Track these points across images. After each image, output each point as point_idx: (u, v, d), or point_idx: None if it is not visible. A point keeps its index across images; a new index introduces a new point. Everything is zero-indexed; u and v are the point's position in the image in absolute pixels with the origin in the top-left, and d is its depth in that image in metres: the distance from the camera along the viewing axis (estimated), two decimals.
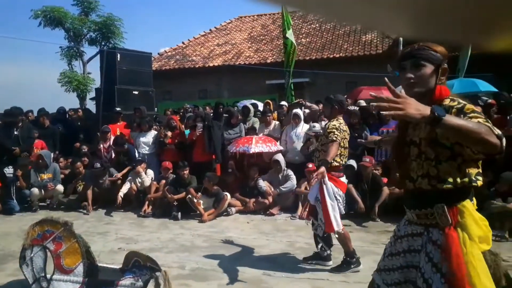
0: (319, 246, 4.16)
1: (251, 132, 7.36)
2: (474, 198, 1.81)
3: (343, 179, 4.04)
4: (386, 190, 5.97)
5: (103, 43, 19.56)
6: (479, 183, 1.74)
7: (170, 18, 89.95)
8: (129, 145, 7.77)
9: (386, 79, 1.72)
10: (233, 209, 6.53)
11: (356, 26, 16.03)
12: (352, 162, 6.64)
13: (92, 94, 17.51)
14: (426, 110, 1.53)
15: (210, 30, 20.11)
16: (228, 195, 6.46)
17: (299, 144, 6.92)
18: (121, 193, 6.87)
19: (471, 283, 1.63)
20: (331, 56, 14.99)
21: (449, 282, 1.68)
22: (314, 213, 4.03)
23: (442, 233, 1.74)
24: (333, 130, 3.85)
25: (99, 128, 8.21)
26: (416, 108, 1.53)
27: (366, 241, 5.02)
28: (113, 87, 9.18)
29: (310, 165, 6.52)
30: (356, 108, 7.58)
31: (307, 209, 6.26)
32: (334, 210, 3.82)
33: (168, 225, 6.06)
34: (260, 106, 9.20)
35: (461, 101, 1.75)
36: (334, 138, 3.80)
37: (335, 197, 3.86)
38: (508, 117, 6.10)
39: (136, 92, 9.67)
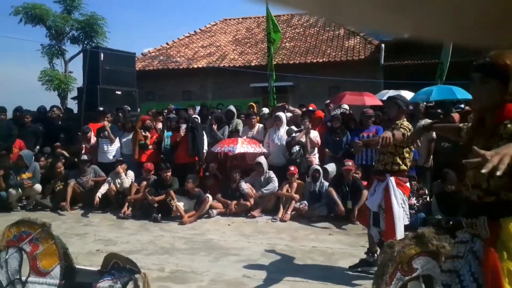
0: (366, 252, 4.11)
1: (234, 135, 7.36)
2: None
3: (408, 185, 3.90)
4: (365, 193, 6.03)
5: (85, 42, 19.28)
6: None
7: (154, 19, 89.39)
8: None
9: None
10: (215, 211, 6.51)
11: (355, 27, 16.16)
12: (331, 166, 6.71)
13: (74, 93, 17.23)
14: None
15: (195, 31, 20.01)
16: (210, 197, 6.44)
17: (281, 147, 6.96)
18: (99, 194, 6.77)
19: None
20: (315, 60, 15.10)
21: None
22: (376, 221, 3.85)
23: (483, 245, 1.77)
24: (406, 128, 3.62)
25: (81, 128, 8.09)
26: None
27: (345, 243, 5.07)
28: (95, 86, 9.05)
29: (292, 168, 6.57)
30: (338, 112, 7.68)
31: (285, 212, 6.27)
32: (399, 220, 3.65)
33: (148, 227, 6.00)
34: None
35: None
36: (403, 131, 3.56)
37: (402, 205, 3.71)
38: None
39: (119, 92, 9.56)
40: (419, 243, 2.55)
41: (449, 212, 5.44)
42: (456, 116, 6.64)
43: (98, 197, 6.73)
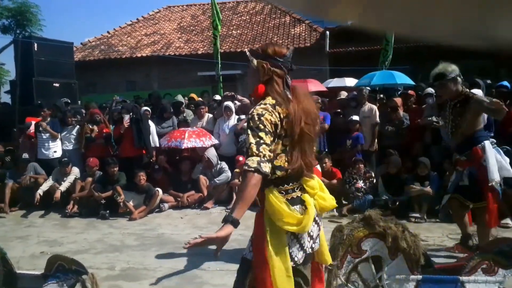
0: None
1: (183, 125, 7.21)
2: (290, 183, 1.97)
3: (318, 167, 4.13)
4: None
5: (17, 32, 18.02)
6: (275, 176, 1.92)
7: (93, 6, 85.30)
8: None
9: None
10: (166, 205, 6.37)
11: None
12: None
13: (7, 87, 16.09)
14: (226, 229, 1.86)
15: (137, 19, 19.29)
16: (160, 190, 6.28)
17: (232, 137, 6.92)
18: (40, 191, 6.37)
19: (266, 255, 1.89)
20: None
21: (253, 252, 2.00)
22: None
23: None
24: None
25: (16, 123, 7.57)
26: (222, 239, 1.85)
27: None
28: (30, 79, 8.54)
29: (241, 158, 6.54)
30: None
31: None
32: None
33: (96, 224, 5.77)
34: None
35: (254, 111, 1.87)
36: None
37: None
38: (423, 106, 6.58)
39: (56, 85, 9.09)
40: (366, 225, 2.64)
41: (395, 192, 5.69)
42: (398, 100, 6.92)
43: (40, 194, 6.34)
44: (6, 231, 5.55)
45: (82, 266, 3.00)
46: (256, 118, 1.84)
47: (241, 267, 2.07)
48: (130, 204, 6.07)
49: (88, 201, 6.35)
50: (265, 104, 1.90)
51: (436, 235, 4.75)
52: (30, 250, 4.71)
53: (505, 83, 6.63)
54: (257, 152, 1.78)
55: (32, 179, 6.71)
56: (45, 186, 6.50)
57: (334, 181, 6.21)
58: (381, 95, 8.12)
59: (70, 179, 6.61)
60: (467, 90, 3.77)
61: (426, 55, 10.96)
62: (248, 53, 2.03)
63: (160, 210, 6.30)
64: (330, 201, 2.08)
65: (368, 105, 6.74)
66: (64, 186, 6.51)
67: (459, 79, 3.67)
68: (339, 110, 7.01)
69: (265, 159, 1.78)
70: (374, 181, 6.02)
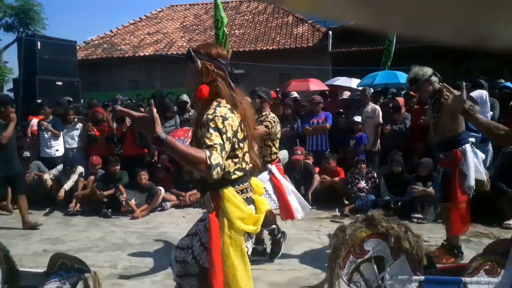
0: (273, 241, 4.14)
1: (185, 124, 7.20)
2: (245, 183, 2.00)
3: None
4: (317, 177, 6.18)
5: (21, 30, 18.06)
6: (235, 176, 1.94)
7: (96, 5, 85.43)
8: None
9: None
10: (168, 204, 6.38)
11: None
12: (283, 153, 6.78)
13: (10, 85, 16.15)
14: (156, 131, 1.73)
15: (140, 18, 19.32)
16: (162, 189, 6.30)
17: None
18: (66, 186, 6.44)
19: (224, 260, 1.85)
20: (265, 48, 15.11)
21: (209, 257, 1.89)
22: None
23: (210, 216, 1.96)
24: (271, 121, 3.94)
25: (19, 121, 7.57)
26: (151, 128, 1.73)
27: (299, 228, 5.16)
28: (33, 77, 8.57)
29: None
30: (289, 100, 7.76)
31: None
32: (295, 201, 3.99)
33: (98, 223, 5.78)
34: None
35: (217, 111, 1.85)
36: (267, 124, 3.92)
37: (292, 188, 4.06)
38: (426, 107, 6.56)
39: (59, 83, 9.11)
40: (369, 225, 2.63)
41: (397, 193, 5.68)
42: (401, 100, 6.91)
43: (65, 189, 6.41)
44: (9, 229, 5.56)
45: (84, 264, 3.01)
46: (221, 121, 1.81)
47: (200, 276, 2.01)
48: (132, 202, 6.08)
49: (90, 199, 6.37)
50: (225, 106, 1.88)
51: (439, 236, 4.73)
52: (32, 248, 4.72)
53: (508, 84, 6.63)
54: (219, 154, 1.74)
55: (36, 176, 6.73)
56: (69, 183, 6.55)
57: (337, 178, 6.20)
58: (382, 97, 8.14)
59: (74, 178, 6.62)
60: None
61: (429, 56, 10.97)
62: (192, 53, 1.97)
63: (162, 208, 6.30)
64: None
65: (371, 105, 6.74)
66: (68, 184, 6.53)
67: (433, 78, 3.77)
68: (341, 110, 7.01)
69: (221, 167, 1.75)
70: (377, 181, 6.01)
